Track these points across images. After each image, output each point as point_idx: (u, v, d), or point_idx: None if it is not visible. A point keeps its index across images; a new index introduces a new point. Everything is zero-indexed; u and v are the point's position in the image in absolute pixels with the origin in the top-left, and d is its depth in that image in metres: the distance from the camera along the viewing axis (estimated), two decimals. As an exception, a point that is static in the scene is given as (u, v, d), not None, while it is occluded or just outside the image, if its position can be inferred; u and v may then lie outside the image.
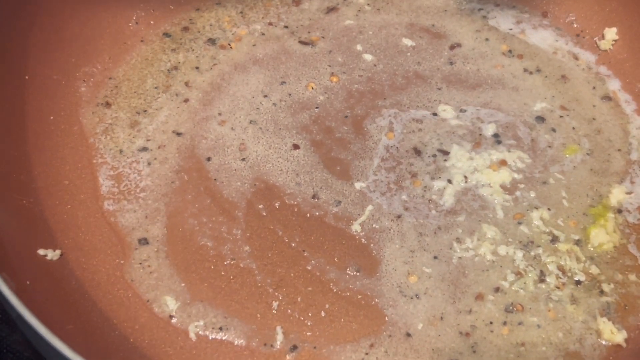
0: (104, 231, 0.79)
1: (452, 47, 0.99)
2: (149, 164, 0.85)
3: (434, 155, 0.87)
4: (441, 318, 0.74)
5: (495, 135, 0.89)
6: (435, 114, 0.91)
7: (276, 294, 0.75)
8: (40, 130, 0.85)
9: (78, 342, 0.60)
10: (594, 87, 0.95)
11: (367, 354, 0.72)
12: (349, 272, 0.77)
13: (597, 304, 0.75)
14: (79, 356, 0.57)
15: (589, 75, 0.96)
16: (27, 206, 0.78)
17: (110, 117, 0.89)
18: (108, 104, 0.90)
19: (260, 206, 0.82)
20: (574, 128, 0.90)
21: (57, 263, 0.75)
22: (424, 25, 1.02)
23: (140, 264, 0.77)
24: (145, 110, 0.90)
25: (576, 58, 0.98)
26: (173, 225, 0.80)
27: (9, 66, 0.84)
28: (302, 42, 0.99)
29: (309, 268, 0.77)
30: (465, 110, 0.91)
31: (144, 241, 0.79)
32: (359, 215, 0.81)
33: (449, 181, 0.84)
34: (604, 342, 0.73)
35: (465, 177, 0.85)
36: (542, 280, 0.76)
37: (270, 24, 1.01)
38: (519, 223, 0.81)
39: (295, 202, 0.82)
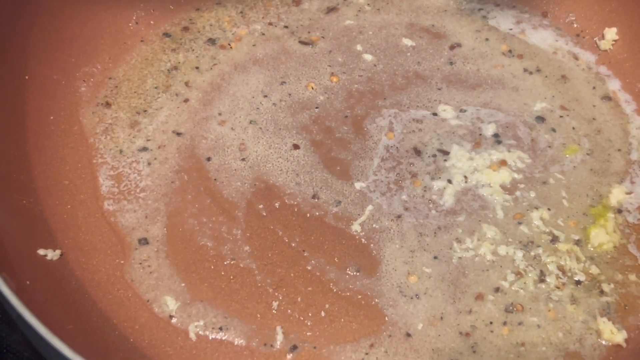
0: (104, 231, 0.79)
1: (452, 47, 0.99)
2: (149, 164, 0.85)
3: (434, 155, 0.87)
4: (441, 318, 0.74)
5: (495, 135, 0.89)
6: (435, 114, 0.91)
7: (276, 294, 0.75)
8: (40, 130, 0.85)
9: (78, 342, 0.60)
10: (594, 87, 0.95)
11: (367, 354, 0.72)
12: (349, 272, 0.77)
13: (597, 304, 0.75)
14: (79, 356, 0.57)
15: (589, 75, 0.96)
16: (27, 206, 0.78)
17: (110, 117, 0.89)
18: (108, 104, 0.90)
19: (260, 206, 0.82)
20: (574, 128, 0.90)
21: (57, 263, 0.75)
22: (424, 25, 1.02)
23: (140, 264, 0.77)
24: (145, 110, 0.90)
25: (576, 58, 0.98)
26: (173, 225, 0.80)
27: (9, 66, 0.84)
28: (302, 42, 0.99)
29: (309, 268, 0.77)
30: (465, 110, 0.91)
31: (144, 241, 0.79)
32: (359, 215, 0.81)
33: (449, 181, 0.84)
34: (604, 342, 0.73)
35: (465, 177, 0.85)
36: (542, 280, 0.76)
37: (270, 24, 1.01)
38: (519, 223, 0.81)
39: (295, 202, 0.82)
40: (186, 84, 0.93)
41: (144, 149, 0.86)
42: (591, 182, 0.85)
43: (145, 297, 0.75)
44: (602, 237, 0.79)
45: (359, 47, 0.99)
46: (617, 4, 0.99)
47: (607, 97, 0.94)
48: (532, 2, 1.04)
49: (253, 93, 0.92)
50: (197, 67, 0.95)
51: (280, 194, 0.83)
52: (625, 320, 0.74)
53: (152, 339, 0.72)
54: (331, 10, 1.03)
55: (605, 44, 0.98)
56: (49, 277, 0.73)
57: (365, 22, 1.02)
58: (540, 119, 0.91)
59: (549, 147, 0.88)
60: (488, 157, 0.86)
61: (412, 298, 0.75)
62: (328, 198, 0.83)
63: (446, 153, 0.87)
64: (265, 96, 0.92)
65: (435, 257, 0.78)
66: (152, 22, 0.99)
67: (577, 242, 0.79)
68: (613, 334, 0.73)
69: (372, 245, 0.79)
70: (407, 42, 0.99)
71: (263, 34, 1.00)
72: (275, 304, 0.75)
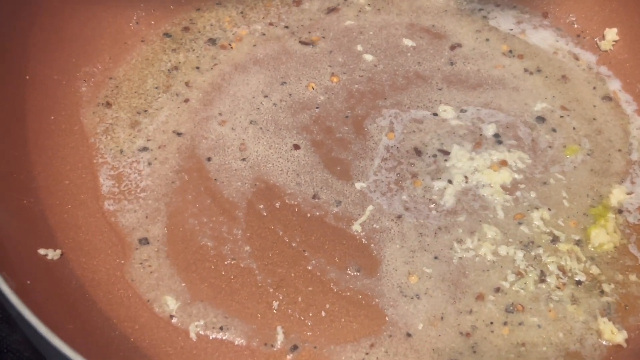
0: (105, 231, 0.79)
1: (452, 48, 0.99)
2: (150, 164, 0.85)
3: (435, 156, 0.87)
4: (441, 318, 0.74)
5: (496, 136, 0.89)
6: (435, 114, 0.91)
7: (277, 293, 0.75)
8: (40, 130, 0.85)
9: (78, 342, 0.60)
10: (594, 88, 0.95)
11: (367, 354, 0.72)
12: (350, 272, 0.77)
13: (597, 304, 0.75)
14: (79, 356, 0.57)
15: (590, 76, 0.96)
16: (27, 206, 0.78)
17: (111, 117, 0.89)
18: (109, 104, 0.90)
19: (261, 206, 0.82)
20: (574, 128, 0.90)
21: (58, 263, 0.75)
22: (425, 26, 1.02)
23: (141, 263, 0.77)
24: (145, 110, 0.90)
25: (577, 58, 0.98)
26: (173, 225, 0.80)
27: (9, 66, 0.84)
28: (302, 42, 0.99)
29: (309, 268, 0.77)
30: (465, 111, 0.92)
31: (144, 241, 0.79)
32: (359, 215, 0.81)
33: (450, 181, 0.84)
34: (604, 342, 0.73)
35: (466, 177, 0.85)
36: (542, 281, 0.76)
37: (270, 24, 1.01)
38: (520, 223, 0.81)
39: (296, 202, 0.82)
40: (187, 84, 0.93)
41: (145, 149, 0.86)
42: (592, 183, 0.85)
43: (146, 296, 0.75)
44: (603, 237, 0.79)
45: (359, 48, 0.99)
46: (618, 4, 0.99)
47: (607, 98, 0.94)
48: (533, 2, 1.04)
49: (253, 93, 0.92)
50: (197, 67, 0.95)
51: (281, 194, 0.83)
52: (625, 321, 0.74)
53: (152, 338, 0.72)
54: (332, 10, 1.03)
55: (605, 45, 0.98)
56: (49, 277, 0.73)
57: (365, 22, 1.02)
58: (541, 119, 0.91)
59: (550, 147, 0.88)
60: (488, 157, 0.86)
61: (412, 298, 0.75)
62: (328, 198, 0.83)
63: (447, 153, 0.87)
64: (266, 96, 0.92)
65: (435, 257, 0.78)
66: (152, 22, 0.99)
67: (578, 242, 0.79)
68: (613, 334, 0.73)
69: (372, 245, 0.79)
70: (408, 42, 0.99)
71: (263, 34, 1.00)
72: (275, 304, 0.75)
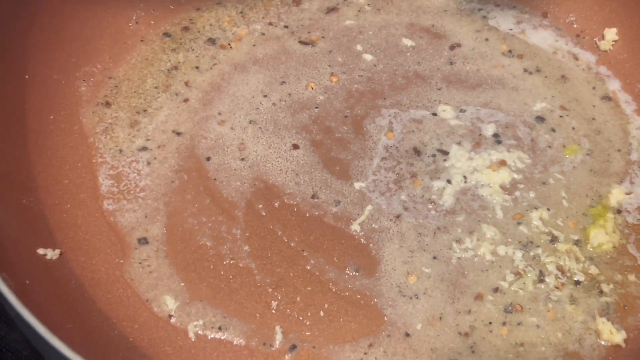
0: (104, 231, 0.79)
1: (452, 47, 0.99)
2: (149, 163, 0.85)
3: (434, 155, 0.87)
4: (440, 318, 0.74)
5: (495, 135, 0.89)
6: (435, 114, 0.91)
7: (275, 293, 0.76)
8: (40, 129, 0.85)
9: (77, 342, 0.60)
10: (593, 88, 0.95)
11: (366, 353, 0.72)
12: (348, 272, 0.77)
13: (596, 304, 0.75)
14: (78, 355, 0.57)
15: (589, 76, 0.96)
16: (26, 205, 0.78)
17: (110, 116, 0.89)
18: (108, 104, 0.90)
19: (260, 206, 0.82)
20: (573, 128, 0.90)
21: (57, 262, 0.75)
22: (424, 26, 1.02)
23: (140, 263, 0.77)
24: (145, 110, 0.90)
25: (576, 58, 0.98)
26: (172, 225, 0.80)
27: (9, 66, 0.84)
28: (302, 42, 0.99)
29: (308, 268, 0.77)
30: (465, 110, 0.91)
31: (143, 241, 0.79)
32: (358, 215, 0.81)
33: (449, 181, 0.84)
34: (603, 343, 0.73)
35: (465, 177, 0.85)
36: (541, 281, 0.76)
37: (270, 23, 1.01)
38: (519, 223, 0.81)
39: (295, 202, 0.82)
40: (186, 83, 0.93)
41: (144, 148, 0.86)
42: (591, 183, 0.85)
43: (145, 296, 0.75)
44: (602, 237, 0.79)
45: (359, 47, 0.99)
46: (617, 4, 0.99)
47: (607, 98, 0.94)
48: (532, 2, 1.04)
49: (253, 93, 0.93)
50: (197, 67, 0.95)
51: (280, 193, 0.83)
52: (624, 321, 0.74)
53: (151, 338, 0.72)
54: (331, 10, 1.03)
55: (605, 45, 0.98)
56: (48, 277, 0.73)
57: (365, 22, 1.02)
58: (540, 119, 0.91)
59: (549, 147, 0.88)
60: (488, 157, 0.86)
61: (411, 298, 0.75)
62: (327, 198, 0.83)
63: (446, 153, 0.87)
64: (265, 96, 0.92)
65: (434, 257, 0.78)
66: (152, 22, 0.99)
67: (577, 243, 0.79)
68: (612, 334, 0.73)
69: (371, 245, 0.79)
70: (407, 42, 0.99)
71: (263, 34, 1.00)
72: (274, 304, 0.75)
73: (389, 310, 0.75)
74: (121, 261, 0.77)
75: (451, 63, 0.97)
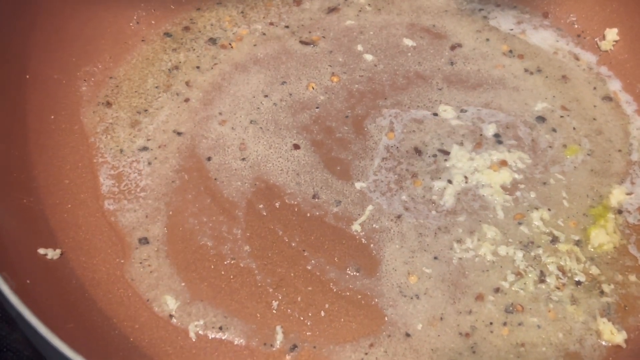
0: (104, 230, 0.79)
1: (452, 48, 0.99)
2: (150, 163, 0.85)
3: (435, 156, 0.87)
4: (441, 318, 0.74)
5: (496, 136, 0.89)
6: (435, 114, 0.91)
7: (276, 293, 0.76)
8: (41, 129, 0.85)
9: (78, 341, 0.60)
10: (594, 88, 0.95)
11: (366, 353, 0.72)
12: (349, 272, 0.77)
13: (597, 305, 0.75)
14: (78, 355, 0.57)
15: (590, 76, 0.96)
16: (27, 205, 0.78)
17: (111, 116, 0.89)
18: (109, 104, 0.90)
19: (261, 206, 0.82)
20: (574, 128, 0.90)
21: (58, 262, 0.75)
22: (425, 26, 1.02)
23: (141, 263, 0.77)
24: (145, 110, 0.90)
25: (577, 58, 0.98)
26: (173, 225, 0.80)
27: (10, 65, 0.84)
28: (303, 42, 0.99)
29: (309, 268, 0.77)
30: (465, 111, 0.91)
31: (144, 240, 0.79)
32: (359, 215, 0.81)
33: (450, 181, 0.84)
34: (604, 343, 0.73)
35: (466, 177, 0.85)
36: (542, 281, 0.76)
37: (271, 23, 1.01)
38: (519, 223, 0.81)
39: (296, 202, 0.82)
40: (187, 83, 0.93)
41: (145, 148, 0.86)
42: (591, 183, 0.85)
43: (146, 296, 0.75)
44: (602, 237, 0.79)
45: (359, 47, 0.99)
46: (618, 4, 0.99)
47: (607, 98, 0.94)
48: (533, 2, 1.04)
49: (254, 93, 0.93)
50: (197, 67, 0.95)
51: (281, 193, 0.83)
52: (625, 321, 0.74)
53: (152, 338, 0.72)
54: (332, 10, 1.03)
55: (606, 45, 0.98)
56: (49, 276, 0.73)
57: (366, 22, 1.02)
58: (541, 119, 0.91)
59: (550, 147, 0.88)
60: (488, 157, 0.86)
61: (412, 298, 0.75)
62: (328, 198, 0.83)
63: (447, 153, 0.87)
64: (266, 96, 0.92)
65: (435, 258, 0.78)
66: (153, 21, 0.99)
67: (577, 243, 0.79)
68: (613, 334, 0.73)
69: (372, 245, 0.79)
70: (408, 42, 0.99)
71: (264, 34, 1.00)
72: (275, 304, 0.75)
73: (389, 310, 0.75)
74: (122, 261, 0.77)
75: (452, 63, 0.97)
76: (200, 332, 0.73)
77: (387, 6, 1.04)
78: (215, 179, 0.84)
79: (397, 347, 0.72)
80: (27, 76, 0.86)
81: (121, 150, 0.86)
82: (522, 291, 0.76)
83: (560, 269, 0.77)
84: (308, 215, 0.81)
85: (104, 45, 0.95)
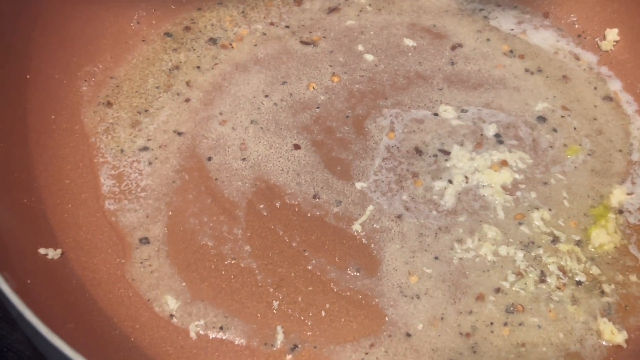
0: (105, 230, 0.79)
1: (453, 48, 0.99)
2: (150, 163, 0.85)
3: (435, 156, 0.87)
4: (441, 318, 0.74)
5: (497, 136, 0.89)
6: (436, 114, 0.91)
7: (277, 293, 0.76)
8: (41, 129, 0.85)
9: (78, 341, 0.60)
10: (595, 88, 0.95)
11: (367, 353, 0.72)
12: (350, 272, 0.77)
13: (597, 305, 0.75)
14: (79, 355, 0.57)
15: (590, 76, 0.96)
16: (28, 205, 0.78)
17: (112, 116, 0.89)
18: (109, 104, 0.90)
19: (261, 206, 0.82)
20: (575, 128, 0.90)
21: (58, 262, 0.75)
22: (425, 26, 1.02)
23: (141, 263, 0.77)
24: (146, 110, 0.90)
25: (577, 58, 0.98)
26: (174, 225, 0.80)
27: (10, 65, 0.84)
28: (303, 42, 0.99)
29: (309, 268, 0.77)
30: (466, 111, 0.91)
31: (144, 240, 0.79)
32: (359, 215, 0.81)
33: (450, 181, 0.84)
34: (604, 343, 0.73)
35: (466, 177, 0.85)
36: (542, 281, 0.76)
37: (271, 23, 1.01)
38: (520, 223, 0.81)
39: (296, 202, 0.82)
40: (187, 83, 0.93)
41: (145, 148, 0.86)
42: (592, 183, 0.85)
43: (146, 296, 0.75)
44: (603, 237, 0.79)
45: (360, 47, 0.99)
46: (619, 5, 0.99)
47: (608, 98, 0.94)
48: (534, 2, 1.04)
49: (254, 93, 0.93)
50: (198, 67, 0.95)
51: (281, 193, 0.83)
52: (625, 321, 0.74)
53: (152, 338, 0.72)
54: (332, 10, 1.03)
55: (606, 45, 0.98)
56: (49, 276, 0.73)
57: (366, 22, 1.02)
58: (542, 119, 0.91)
59: (550, 147, 0.88)
60: (489, 157, 0.86)
61: (412, 298, 0.75)
62: (329, 198, 0.83)
63: (447, 153, 0.87)
64: (267, 96, 0.92)
65: (435, 258, 0.78)
66: (153, 21, 0.99)
67: (578, 243, 0.79)
68: (613, 334, 0.73)
69: (372, 245, 0.79)
70: (409, 42, 0.99)
71: (264, 34, 1.00)
72: (275, 304, 0.75)
73: (390, 310, 0.75)
74: (122, 261, 0.77)
75: (452, 63, 0.97)
76: (201, 332, 0.73)
77: (387, 6, 1.04)
78: (215, 179, 0.84)
79: (397, 347, 0.72)
80: (28, 76, 0.86)
81: (122, 150, 0.86)
82: (522, 291, 0.76)
83: (561, 269, 0.77)
84: (309, 215, 0.81)
85: (105, 45, 0.95)
